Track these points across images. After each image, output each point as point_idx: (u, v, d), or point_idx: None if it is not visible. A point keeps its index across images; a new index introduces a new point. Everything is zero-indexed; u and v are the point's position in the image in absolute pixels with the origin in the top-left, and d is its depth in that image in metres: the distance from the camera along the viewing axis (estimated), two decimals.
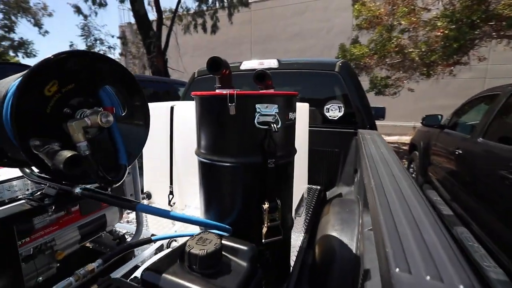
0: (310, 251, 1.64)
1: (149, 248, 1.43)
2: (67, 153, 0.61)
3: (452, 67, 6.73)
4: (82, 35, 13.06)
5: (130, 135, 0.91)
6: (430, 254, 0.48)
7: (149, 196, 2.24)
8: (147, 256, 1.38)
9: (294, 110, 1.17)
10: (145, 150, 2.19)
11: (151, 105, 2.18)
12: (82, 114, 0.74)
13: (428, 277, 0.42)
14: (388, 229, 0.56)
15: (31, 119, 0.65)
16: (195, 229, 1.17)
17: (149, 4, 11.44)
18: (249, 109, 1.00)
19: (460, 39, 5.55)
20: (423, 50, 6.41)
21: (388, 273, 0.45)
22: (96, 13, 12.54)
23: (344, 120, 2.59)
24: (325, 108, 2.65)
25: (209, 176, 1.15)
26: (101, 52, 14.39)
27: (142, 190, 2.28)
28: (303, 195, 2.23)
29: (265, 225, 1.04)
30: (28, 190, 1.06)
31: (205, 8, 11.70)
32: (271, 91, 1.25)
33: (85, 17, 13.14)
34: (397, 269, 0.44)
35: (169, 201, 2.10)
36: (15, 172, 1.06)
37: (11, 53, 15.60)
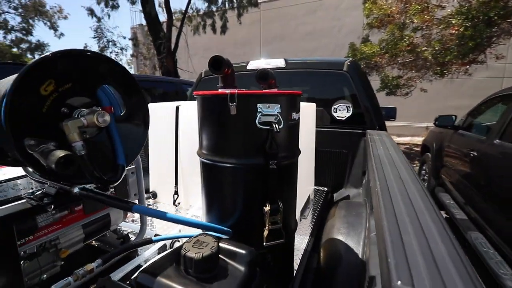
0: (315, 254, 1.60)
1: (152, 247, 1.43)
2: (60, 153, 0.60)
3: (468, 66, 6.50)
4: (95, 37, 13.37)
5: (129, 135, 0.90)
6: (437, 267, 0.44)
7: (155, 195, 2.25)
8: (150, 256, 1.38)
9: (297, 110, 1.14)
10: (151, 150, 2.23)
11: (157, 105, 2.21)
12: (79, 113, 0.73)
13: None
14: (392, 237, 0.52)
15: (26, 118, 0.64)
16: (198, 230, 1.16)
17: (159, 5, 11.61)
18: (251, 109, 0.98)
19: (476, 37, 5.36)
20: (436, 49, 6.22)
21: (390, 285, 0.41)
22: (109, 16, 12.86)
23: (353, 120, 2.53)
24: (333, 108, 2.60)
25: (210, 177, 1.14)
26: (114, 54, 14.74)
27: (148, 190, 2.30)
28: (309, 196, 2.19)
29: (266, 228, 1.01)
30: (32, 188, 1.07)
31: (214, 9, 11.76)
32: (275, 90, 1.22)
33: (99, 19, 13.48)
34: (399, 282, 0.41)
35: (174, 201, 2.10)
36: (21, 170, 1.07)
37: (29, 55, 16.15)
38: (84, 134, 0.78)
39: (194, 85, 3.36)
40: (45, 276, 1.19)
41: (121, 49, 15.05)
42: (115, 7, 12.22)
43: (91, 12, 13.01)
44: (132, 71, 18.47)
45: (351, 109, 2.53)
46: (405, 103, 8.14)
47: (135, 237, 1.65)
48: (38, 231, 1.07)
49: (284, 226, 1.09)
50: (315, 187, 2.50)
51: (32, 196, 0.87)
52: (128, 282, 1.19)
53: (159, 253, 1.46)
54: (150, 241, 1.04)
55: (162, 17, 11.55)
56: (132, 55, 16.68)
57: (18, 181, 1.04)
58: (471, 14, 5.31)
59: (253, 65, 2.81)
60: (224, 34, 12.06)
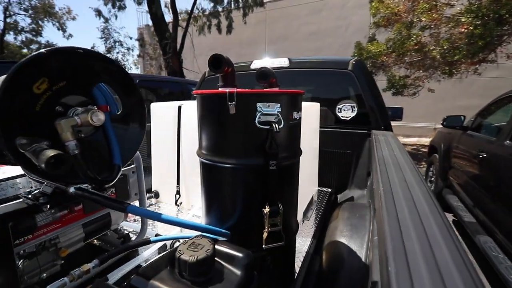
0: (317, 257, 1.57)
1: (152, 247, 1.42)
2: (51, 152, 0.59)
3: (477, 65, 6.36)
4: (102, 38, 13.53)
5: (125, 134, 0.89)
6: (441, 276, 0.41)
7: (157, 195, 2.24)
8: (149, 256, 1.37)
9: (299, 109, 1.11)
10: (153, 149, 2.23)
11: (159, 105, 2.21)
12: (74, 112, 0.72)
13: None
14: (394, 243, 0.49)
15: (18, 117, 0.63)
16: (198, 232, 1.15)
17: (165, 6, 11.69)
18: (250, 108, 0.95)
19: (486, 36, 5.23)
20: (445, 48, 6.09)
21: None
22: (116, 16, 13.00)
23: (357, 120, 2.49)
24: (337, 108, 2.56)
25: (210, 177, 1.12)
26: (120, 54, 14.90)
27: (150, 189, 2.29)
28: (312, 197, 2.16)
29: (266, 230, 0.99)
30: (31, 187, 1.07)
31: (220, 9, 11.78)
32: (276, 89, 1.20)
33: (106, 20, 13.64)
34: None
35: (176, 201, 2.10)
36: (20, 169, 1.07)
37: None
38: (79, 133, 0.77)
39: (197, 85, 3.36)
40: (44, 275, 1.19)
41: (128, 49, 15.22)
42: (122, 8, 12.35)
43: (99, 13, 13.18)
44: (138, 72, 18.67)
45: (356, 109, 2.49)
46: (412, 103, 8.01)
47: (136, 236, 1.64)
48: (37, 230, 1.07)
49: (285, 228, 1.07)
50: (319, 188, 2.46)
51: (28, 196, 0.87)
52: (125, 283, 1.18)
53: (159, 253, 1.45)
54: (148, 242, 1.03)
55: (168, 17, 11.63)
56: (138, 56, 16.85)
57: (18, 180, 1.03)
58: (481, 12, 5.18)
59: (257, 64, 2.78)
60: (230, 33, 12.07)
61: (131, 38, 18.91)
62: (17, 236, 0.92)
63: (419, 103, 8.96)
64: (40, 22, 16.41)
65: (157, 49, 14.64)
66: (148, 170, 2.30)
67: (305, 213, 1.94)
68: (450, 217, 3.98)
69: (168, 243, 1.49)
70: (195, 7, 11.37)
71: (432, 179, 4.68)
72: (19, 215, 0.86)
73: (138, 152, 1.46)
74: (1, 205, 0.82)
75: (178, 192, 2.09)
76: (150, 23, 11.60)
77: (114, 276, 1.22)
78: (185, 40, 11.05)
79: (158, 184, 2.26)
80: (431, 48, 6.43)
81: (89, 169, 0.72)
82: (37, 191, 0.90)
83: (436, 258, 0.46)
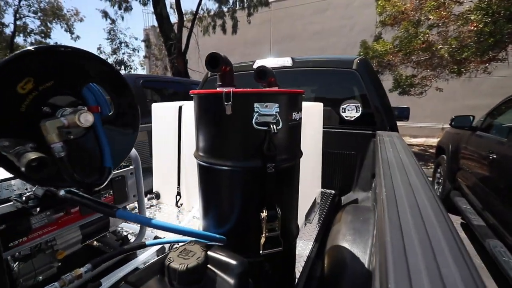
0: (319, 261, 1.53)
1: (149, 250, 1.39)
2: (32, 155, 0.56)
3: (487, 64, 6.19)
4: (108, 39, 13.67)
5: (117, 136, 0.86)
6: None
7: (158, 196, 2.23)
8: (146, 259, 1.35)
9: (299, 110, 1.07)
10: (154, 150, 2.21)
11: (160, 105, 2.19)
12: (61, 113, 0.70)
13: None
14: (395, 257, 0.45)
15: (0, 118, 0.61)
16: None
17: (171, 7, 11.74)
18: (247, 108, 0.92)
19: (496, 34, 5.09)
20: (453, 46, 5.95)
21: None
22: (122, 18, 13.12)
23: (362, 120, 2.43)
24: (341, 108, 2.51)
25: (206, 179, 1.09)
26: (126, 55, 15.04)
27: (151, 190, 2.28)
28: (315, 199, 2.11)
29: (263, 235, 0.95)
30: (26, 189, 1.06)
31: (225, 9, 11.78)
32: (275, 89, 1.16)
33: (112, 21, 13.78)
34: None
35: (177, 202, 2.07)
36: None
37: None
38: (69, 135, 0.75)
39: (200, 85, 3.34)
40: (41, 277, 1.18)
41: (133, 49, 15.36)
42: (128, 9, 12.46)
43: (105, 15, 13.32)
44: (144, 72, 18.82)
45: (360, 109, 2.43)
46: (419, 103, 7.87)
47: (135, 238, 1.62)
48: (32, 233, 1.05)
49: (284, 233, 1.03)
50: (322, 189, 2.42)
51: (19, 198, 0.85)
52: None
53: (157, 256, 1.42)
54: (143, 246, 1.00)
55: (174, 18, 11.68)
56: (145, 57, 16.98)
57: (12, 182, 1.02)
58: (491, 10, 5.04)
59: (260, 64, 2.75)
60: (236, 33, 12.05)
61: (136, 38, 19.08)
62: (10, 239, 0.91)
63: (427, 102, 8.80)
64: (48, 24, 16.68)
65: (162, 50, 14.73)
66: (150, 171, 2.29)
67: (307, 216, 1.89)
68: (458, 219, 3.88)
69: (167, 245, 1.47)
70: (200, 7, 11.39)
71: (440, 180, 4.58)
72: (9, 218, 0.84)
73: (136, 153, 1.44)
74: None
75: (178, 193, 2.07)
76: (156, 24, 11.67)
77: (111, 279, 1.20)
78: (190, 41, 11.07)
79: (159, 185, 2.24)
80: (439, 46, 6.29)
81: (75, 172, 0.69)
82: (28, 193, 0.88)
83: (443, 275, 0.41)
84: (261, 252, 0.96)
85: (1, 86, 0.60)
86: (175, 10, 10.93)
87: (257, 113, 0.91)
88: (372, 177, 2.28)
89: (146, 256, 1.33)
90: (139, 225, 1.60)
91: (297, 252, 1.45)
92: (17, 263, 1.09)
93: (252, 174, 0.98)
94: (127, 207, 1.88)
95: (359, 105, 2.43)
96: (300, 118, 1.10)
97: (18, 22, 15.61)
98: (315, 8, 13.22)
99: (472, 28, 5.54)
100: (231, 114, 0.91)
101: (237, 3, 11.65)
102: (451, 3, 6.10)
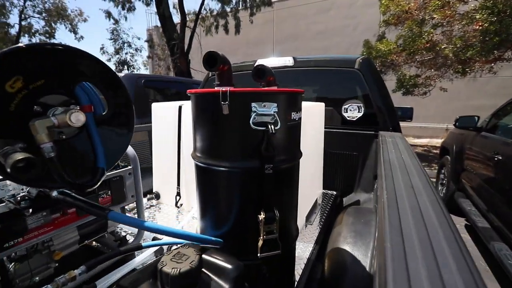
0: (319, 264, 1.50)
1: (147, 251, 1.38)
2: (18, 156, 0.55)
3: (492, 64, 6.11)
4: (111, 39, 13.74)
5: (111, 136, 0.85)
6: None
7: (157, 196, 2.22)
8: (144, 260, 1.33)
9: (298, 110, 1.05)
10: (154, 150, 2.20)
11: (160, 105, 2.18)
12: (53, 112, 0.68)
13: None
14: (395, 264, 0.43)
15: None
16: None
17: (174, 7, 11.76)
18: (245, 108, 0.90)
19: (502, 33, 5.01)
20: (458, 45, 5.88)
21: None
22: (125, 18, 13.16)
23: (364, 121, 2.40)
24: (343, 108, 2.48)
25: (204, 180, 1.07)
26: (129, 55, 15.09)
27: (151, 191, 2.27)
28: (316, 200, 2.08)
29: (261, 237, 0.93)
30: (22, 189, 1.04)
31: (228, 9, 11.77)
32: (274, 88, 1.14)
33: (116, 21, 13.85)
34: None
35: (176, 202, 2.06)
36: None
37: None
38: (61, 135, 0.73)
39: (201, 85, 3.33)
40: (37, 278, 1.17)
41: (136, 49, 15.42)
42: (131, 9, 12.50)
43: (109, 15, 13.38)
44: (147, 72, 18.89)
45: (362, 109, 2.40)
46: (423, 103, 7.79)
47: (133, 239, 1.61)
48: (27, 233, 1.04)
49: (283, 235, 1.01)
50: (323, 190, 2.39)
51: (11, 199, 0.83)
52: None
53: (156, 256, 1.41)
54: (139, 248, 0.98)
55: (176, 18, 11.69)
56: (148, 57, 17.04)
57: (8, 182, 1.01)
58: (497, 8, 4.97)
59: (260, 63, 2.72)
60: (239, 33, 12.03)
61: (139, 38, 19.18)
62: (5, 240, 0.89)
63: (430, 103, 8.71)
64: (53, 25, 16.81)
65: (165, 50, 14.76)
66: (151, 171, 2.28)
67: (308, 217, 1.87)
68: (462, 221, 3.82)
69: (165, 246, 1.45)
70: (203, 7, 11.40)
71: (444, 181, 4.52)
72: (2, 219, 0.82)
73: (135, 153, 1.43)
74: None
75: (178, 194, 2.05)
76: (159, 24, 11.70)
77: (107, 280, 1.19)
78: (192, 41, 11.08)
79: (159, 185, 2.23)
80: (444, 46, 6.21)
81: (68, 173, 0.68)
82: (22, 194, 0.86)
83: (445, 282, 0.39)
84: (258, 255, 0.94)
85: None
86: (178, 10, 10.95)
87: (255, 113, 0.89)
88: (374, 178, 2.25)
89: (143, 258, 1.32)
90: None
91: (297, 254, 1.43)
92: (13, 263, 1.08)
93: (250, 175, 0.96)
94: (127, 207, 1.87)
95: (362, 105, 2.40)
96: (300, 118, 1.08)
97: (23, 23, 15.76)
98: (318, 7, 13.16)
99: (477, 27, 5.47)
100: (228, 114, 0.89)
101: (240, 3, 11.64)
102: (456, 2, 6.02)
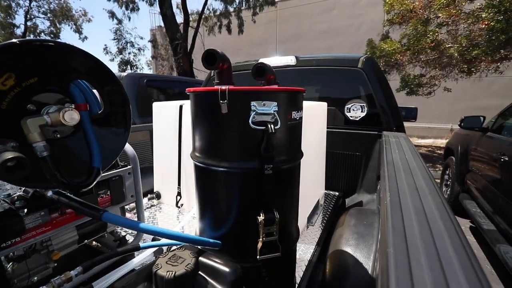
0: (320, 266, 1.48)
1: (146, 252, 1.36)
2: (8, 155, 0.53)
3: (498, 63, 6.01)
4: (114, 39, 13.81)
5: (107, 135, 0.83)
6: None
7: (158, 196, 2.21)
8: (143, 260, 1.32)
9: (299, 109, 1.03)
10: (155, 149, 2.19)
11: (161, 104, 2.17)
12: (47, 111, 0.67)
13: None
14: (398, 271, 0.40)
15: None
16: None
17: (177, 7, 11.78)
18: (244, 107, 0.88)
19: (508, 31, 4.93)
20: (463, 45, 5.80)
21: None
22: (129, 18, 13.23)
23: (367, 121, 2.37)
24: (346, 108, 2.44)
25: (203, 180, 1.05)
26: (132, 54, 15.16)
27: (152, 190, 2.26)
28: (318, 201, 2.06)
29: (260, 239, 0.91)
30: (20, 189, 1.04)
31: (231, 9, 11.76)
32: (274, 87, 1.12)
33: (119, 21, 13.91)
34: None
35: (177, 202, 2.05)
36: None
37: None
38: (55, 134, 0.72)
39: (203, 84, 3.32)
40: (36, 278, 1.16)
41: (139, 49, 15.49)
42: (135, 9, 12.55)
43: (112, 15, 13.45)
44: (151, 72, 18.97)
45: (365, 108, 2.37)
46: (427, 103, 7.71)
47: (133, 239, 1.60)
48: (25, 233, 1.03)
49: (283, 237, 0.98)
50: (326, 191, 2.36)
51: (6, 199, 0.82)
52: None
53: (155, 257, 1.39)
54: (137, 249, 0.97)
55: (180, 18, 11.71)
56: (152, 57, 17.11)
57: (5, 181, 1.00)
58: (504, 7, 4.89)
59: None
60: (242, 33, 12.02)
61: (142, 38, 19.23)
62: (2, 240, 0.88)
63: (435, 103, 8.62)
64: (58, 25, 16.95)
65: (168, 50, 14.81)
66: (152, 170, 2.27)
67: (310, 218, 1.84)
68: (467, 223, 3.77)
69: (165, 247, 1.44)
70: (206, 7, 11.40)
71: (448, 182, 4.46)
72: None
73: (134, 152, 1.42)
74: None
75: (179, 194, 2.04)
76: (163, 24, 11.73)
77: (105, 281, 1.17)
78: (195, 41, 11.09)
79: (160, 184, 2.22)
80: (449, 45, 6.14)
81: (62, 172, 0.66)
82: (18, 194, 0.85)
83: None
84: (258, 257, 0.92)
85: None
86: (181, 10, 10.96)
87: (254, 112, 0.87)
88: (377, 179, 2.22)
89: (142, 258, 1.31)
90: None
91: (298, 256, 1.40)
92: (11, 263, 1.07)
93: (249, 176, 0.94)
94: (127, 207, 1.86)
95: (365, 104, 2.37)
96: (301, 118, 1.05)
97: (28, 23, 15.91)
98: (321, 7, 13.09)
99: (483, 26, 5.39)
100: (227, 113, 0.87)
101: (243, 2, 11.62)
102: (462, 1, 5.94)
